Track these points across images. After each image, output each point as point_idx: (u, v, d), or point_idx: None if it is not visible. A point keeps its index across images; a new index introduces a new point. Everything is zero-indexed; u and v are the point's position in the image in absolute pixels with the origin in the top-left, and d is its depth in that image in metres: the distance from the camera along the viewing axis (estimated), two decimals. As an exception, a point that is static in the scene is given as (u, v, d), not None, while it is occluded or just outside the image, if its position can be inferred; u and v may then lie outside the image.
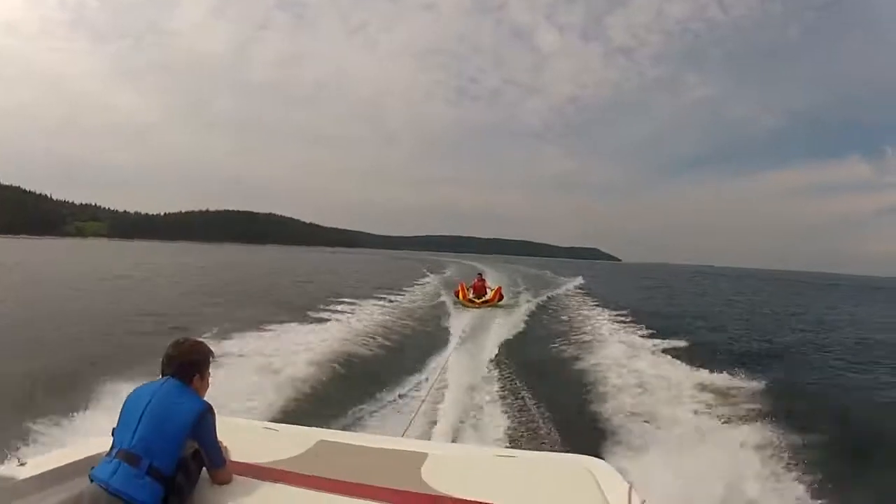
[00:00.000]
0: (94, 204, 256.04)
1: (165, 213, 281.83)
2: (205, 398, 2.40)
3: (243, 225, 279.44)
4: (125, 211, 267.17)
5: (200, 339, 2.53)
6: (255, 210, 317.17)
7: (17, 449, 4.30)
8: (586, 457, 2.88)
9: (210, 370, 2.49)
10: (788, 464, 5.23)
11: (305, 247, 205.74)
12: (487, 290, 19.60)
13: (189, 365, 2.37)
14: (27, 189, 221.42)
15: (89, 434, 3.50)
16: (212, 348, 2.57)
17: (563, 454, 3.36)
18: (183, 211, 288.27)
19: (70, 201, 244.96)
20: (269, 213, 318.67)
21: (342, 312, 14.10)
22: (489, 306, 18.15)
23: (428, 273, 35.00)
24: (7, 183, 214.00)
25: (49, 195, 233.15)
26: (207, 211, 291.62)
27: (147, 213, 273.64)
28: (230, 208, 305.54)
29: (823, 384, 9.46)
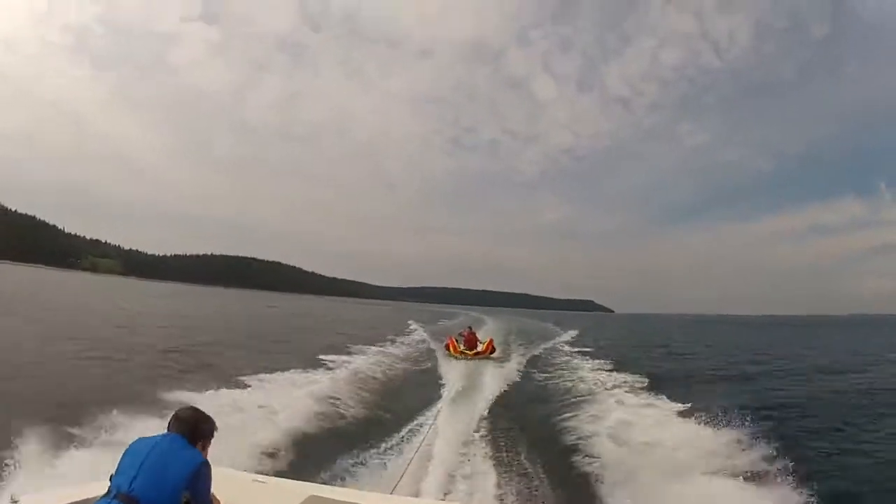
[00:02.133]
0: (103, 241, 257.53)
1: (173, 255, 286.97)
2: None
3: (246, 271, 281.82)
4: (137, 250, 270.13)
5: (200, 411, 2.69)
6: (257, 256, 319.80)
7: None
8: None
9: (209, 441, 2.64)
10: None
11: (310, 295, 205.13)
12: (478, 344, 19.48)
13: (197, 431, 2.55)
14: (40, 219, 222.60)
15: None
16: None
17: None
18: (188, 254, 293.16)
19: (82, 235, 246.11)
20: (273, 262, 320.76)
21: (333, 364, 13.97)
22: (481, 358, 18.01)
23: (420, 325, 34.68)
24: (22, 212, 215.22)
25: (63, 228, 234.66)
26: (212, 255, 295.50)
27: (154, 254, 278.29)
28: (229, 252, 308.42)
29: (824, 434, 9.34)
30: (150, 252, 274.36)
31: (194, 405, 2.76)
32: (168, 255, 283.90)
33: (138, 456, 2.34)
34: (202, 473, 2.39)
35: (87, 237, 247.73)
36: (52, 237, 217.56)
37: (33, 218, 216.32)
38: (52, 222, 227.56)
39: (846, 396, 13.10)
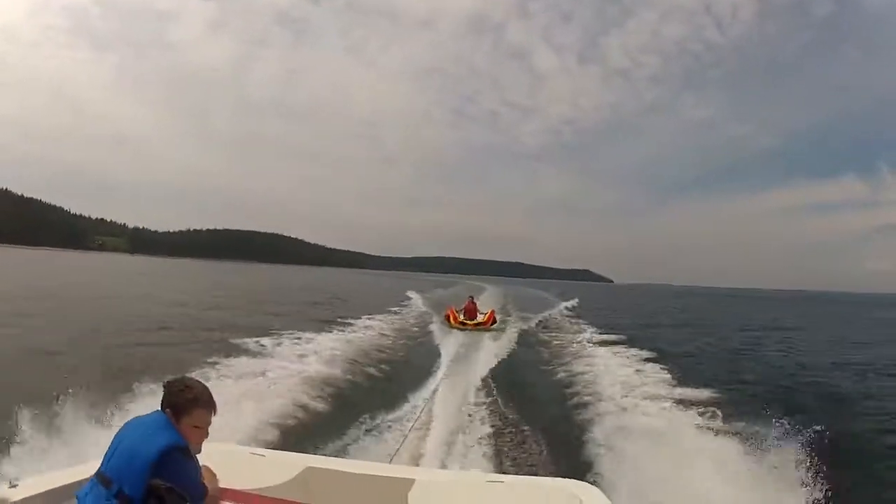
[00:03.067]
0: (108, 220, 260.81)
1: (178, 231, 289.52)
2: (197, 443, 2.30)
3: (250, 244, 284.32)
4: (144, 228, 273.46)
5: (184, 380, 2.39)
6: (260, 230, 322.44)
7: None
8: (575, 481, 2.93)
9: (195, 416, 2.29)
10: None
11: (314, 267, 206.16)
12: (479, 314, 19.49)
13: (174, 404, 2.28)
14: (46, 202, 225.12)
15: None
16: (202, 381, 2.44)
17: (552, 479, 3.37)
18: (192, 229, 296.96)
19: (87, 215, 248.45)
20: (275, 234, 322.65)
21: (330, 334, 13.99)
22: (481, 329, 18.02)
23: (418, 294, 34.76)
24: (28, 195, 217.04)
25: (68, 209, 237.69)
26: (216, 230, 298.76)
27: (158, 231, 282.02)
28: (232, 227, 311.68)
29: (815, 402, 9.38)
30: (153, 229, 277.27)
31: (186, 375, 2.49)
32: (173, 231, 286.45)
33: (121, 436, 2.27)
34: (171, 459, 2.15)
35: (93, 217, 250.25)
36: (59, 219, 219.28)
37: (39, 201, 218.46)
38: (58, 204, 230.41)
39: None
